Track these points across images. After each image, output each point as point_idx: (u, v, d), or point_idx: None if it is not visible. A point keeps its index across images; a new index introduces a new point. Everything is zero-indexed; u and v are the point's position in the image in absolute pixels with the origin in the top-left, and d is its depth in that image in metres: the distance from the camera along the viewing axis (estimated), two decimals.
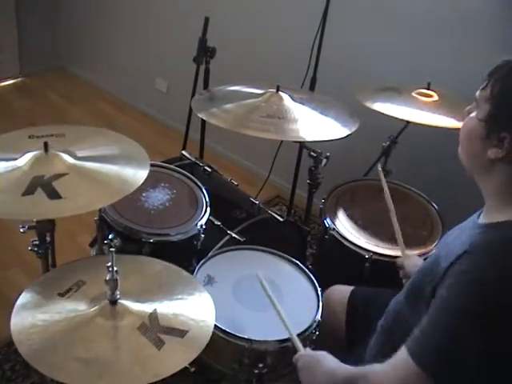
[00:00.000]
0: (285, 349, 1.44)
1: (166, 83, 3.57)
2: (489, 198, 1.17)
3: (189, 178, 1.99)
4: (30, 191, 1.34)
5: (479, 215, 1.20)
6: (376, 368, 1.14)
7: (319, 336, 1.53)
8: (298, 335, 1.43)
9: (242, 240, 1.81)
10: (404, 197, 2.08)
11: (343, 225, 1.92)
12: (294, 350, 1.36)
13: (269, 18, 2.90)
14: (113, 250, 1.21)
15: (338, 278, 1.77)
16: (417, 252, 1.78)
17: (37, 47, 3.99)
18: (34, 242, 1.55)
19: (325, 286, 1.64)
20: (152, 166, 1.53)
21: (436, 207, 2.03)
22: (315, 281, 1.64)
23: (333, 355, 1.27)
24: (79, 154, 1.48)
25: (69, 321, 1.20)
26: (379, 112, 1.95)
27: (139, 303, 1.25)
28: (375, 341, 1.37)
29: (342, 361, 1.25)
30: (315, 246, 2.37)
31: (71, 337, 1.17)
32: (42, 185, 1.36)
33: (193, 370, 1.39)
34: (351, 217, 1.97)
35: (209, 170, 2.16)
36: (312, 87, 2.37)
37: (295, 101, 1.89)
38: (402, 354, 1.08)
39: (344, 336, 1.61)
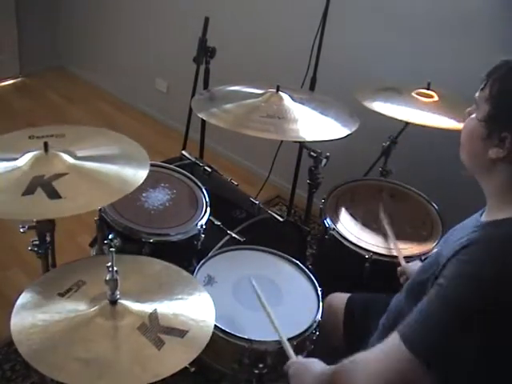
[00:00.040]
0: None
1: (166, 83, 3.57)
2: (490, 197, 1.17)
3: (189, 178, 1.99)
4: (29, 191, 1.34)
5: (481, 214, 1.20)
6: (367, 355, 1.13)
7: (319, 337, 1.53)
8: (298, 335, 1.43)
9: (241, 240, 1.81)
10: (404, 197, 2.09)
11: (343, 225, 1.92)
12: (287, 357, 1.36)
13: (269, 18, 2.90)
14: (113, 249, 1.21)
15: (338, 278, 1.77)
16: (417, 252, 1.78)
17: (37, 47, 3.99)
18: (34, 242, 1.55)
19: (325, 285, 1.64)
20: (152, 165, 1.53)
21: (436, 207, 2.03)
22: (315, 281, 1.64)
23: (330, 359, 1.26)
24: (79, 153, 1.48)
25: (69, 321, 1.20)
26: (379, 112, 1.94)
27: (139, 303, 1.25)
28: (377, 339, 1.37)
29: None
30: (315, 246, 2.37)
31: (71, 337, 1.17)
32: (42, 185, 1.35)
33: (193, 370, 1.39)
34: (351, 217, 1.97)
35: (209, 170, 2.16)
36: (312, 87, 2.37)
37: (295, 101, 1.89)
38: (394, 339, 1.07)
39: (343, 344, 1.60)
